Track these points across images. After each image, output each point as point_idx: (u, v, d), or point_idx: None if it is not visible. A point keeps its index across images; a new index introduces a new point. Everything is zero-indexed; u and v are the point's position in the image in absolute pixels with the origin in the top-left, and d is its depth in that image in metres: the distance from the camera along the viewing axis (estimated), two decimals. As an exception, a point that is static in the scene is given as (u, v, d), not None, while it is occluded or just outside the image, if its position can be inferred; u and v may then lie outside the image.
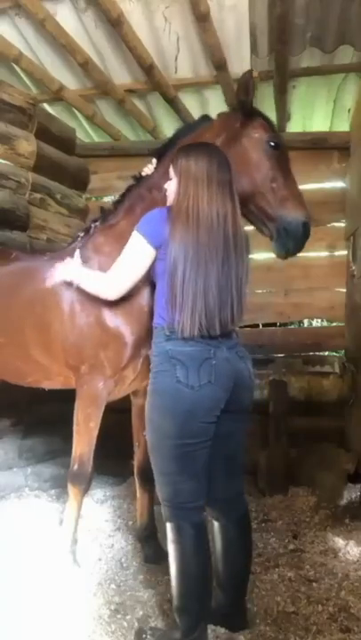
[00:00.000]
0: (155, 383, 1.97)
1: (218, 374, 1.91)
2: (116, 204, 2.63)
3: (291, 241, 2.27)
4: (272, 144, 2.29)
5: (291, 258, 2.36)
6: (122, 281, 2.15)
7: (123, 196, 2.59)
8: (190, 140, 2.28)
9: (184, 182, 1.99)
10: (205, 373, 1.89)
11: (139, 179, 2.53)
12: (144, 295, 2.36)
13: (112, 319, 2.38)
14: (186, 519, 1.94)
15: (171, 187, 2.10)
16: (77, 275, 2.29)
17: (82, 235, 2.67)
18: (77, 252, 2.40)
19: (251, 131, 2.31)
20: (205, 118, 2.50)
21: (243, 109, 2.33)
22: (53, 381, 2.72)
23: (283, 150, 2.33)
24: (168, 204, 2.11)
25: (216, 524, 2.14)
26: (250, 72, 2.35)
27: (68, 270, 2.32)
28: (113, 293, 2.19)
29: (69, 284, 2.41)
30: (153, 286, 2.17)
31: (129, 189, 2.56)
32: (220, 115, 2.48)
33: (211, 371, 1.90)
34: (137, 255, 2.06)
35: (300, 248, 2.30)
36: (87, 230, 2.65)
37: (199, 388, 1.88)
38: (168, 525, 1.96)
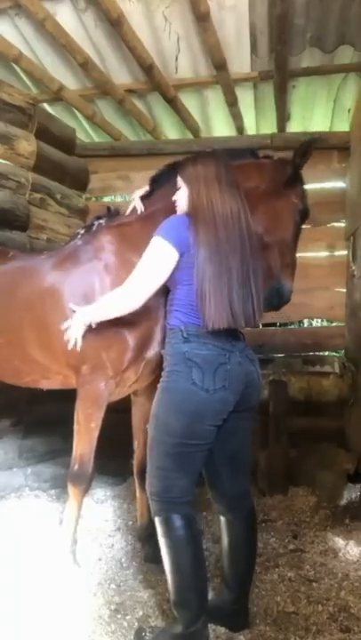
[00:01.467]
0: (168, 382, 1.99)
1: (231, 379, 1.95)
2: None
3: (276, 301, 2.40)
4: (301, 215, 2.44)
5: None
6: (146, 287, 2.05)
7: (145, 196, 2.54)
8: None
9: (195, 186, 2.04)
10: (220, 378, 1.93)
11: (158, 182, 2.48)
12: (151, 299, 2.35)
13: (116, 320, 2.37)
14: (174, 511, 1.97)
15: (180, 196, 2.12)
16: (91, 313, 2.17)
17: (82, 232, 2.65)
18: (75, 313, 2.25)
19: (293, 194, 2.41)
20: (251, 152, 2.54)
21: (294, 171, 2.40)
22: (52, 381, 2.71)
23: (303, 223, 2.48)
24: (178, 213, 2.14)
25: (222, 519, 2.18)
26: (314, 140, 2.42)
27: (81, 318, 2.18)
28: (137, 302, 2.07)
29: (71, 283, 2.41)
30: (162, 291, 2.17)
31: (153, 189, 2.50)
32: (269, 159, 2.53)
33: (225, 376, 1.94)
34: (163, 260, 2.02)
35: (279, 309, 2.45)
36: (88, 228, 2.63)
37: (213, 391, 1.92)
38: (157, 520, 2.00)
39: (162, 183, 2.47)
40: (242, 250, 1.98)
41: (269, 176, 2.42)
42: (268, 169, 2.45)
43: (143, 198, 2.54)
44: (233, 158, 2.35)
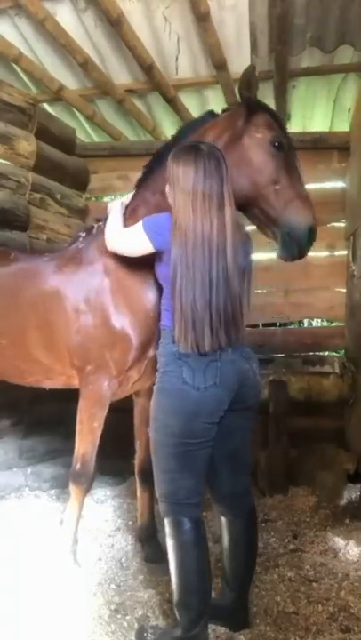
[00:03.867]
0: (161, 382, 1.99)
1: (223, 376, 1.93)
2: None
3: (295, 245, 2.17)
4: (276, 144, 2.18)
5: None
6: (120, 247, 2.24)
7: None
8: (193, 139, 2.21)
9: (173, 193, 1.99)
10: (211, 375, 1.92)
11: (142, 180, 2.52)
12: (151, 298, 2.37)
13: (119, 320, 2.39)
14: (184, 514, 1.96)
15: (167, 190, 2.08)
16: (114, 216, 2.36)
17: (84, 234, 2.66)
18: (126, 199, 2.50)
19: (253, 130, 2.20)
20: (210, 114, 2.40)
21: (246, 105, 2.22)
22: (55, 381, 2.72)
23: (288, 149, 2.22)
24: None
25: (223, 519, 2.18)
26: (252, 67, 2.22)
27: (116, 208, 2.40)
28: (111, 247, 2.29)
29: (74, 285, 2.44)
30: (160, 289, 2.17)
31: (137, 191, 2.55)
32: (224, 110, 2.40)
33: (216, 373, 1.92)
34: (137, 244, 2.12)
35: (305, 252, 2.21)
36: (89, 230, 2.64)
37: (204, 389, 1.91)
38: (166, 521, 2.00)
39: (145, 179, 2.51)
40: (217, 271, 1.90)
41: (223, 127, 2.25)
42: (225, 120, 2.30)
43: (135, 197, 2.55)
44: (194, 128, 2.34)
